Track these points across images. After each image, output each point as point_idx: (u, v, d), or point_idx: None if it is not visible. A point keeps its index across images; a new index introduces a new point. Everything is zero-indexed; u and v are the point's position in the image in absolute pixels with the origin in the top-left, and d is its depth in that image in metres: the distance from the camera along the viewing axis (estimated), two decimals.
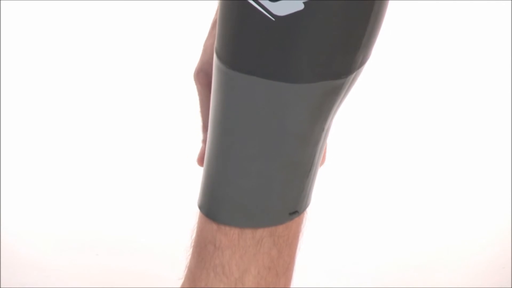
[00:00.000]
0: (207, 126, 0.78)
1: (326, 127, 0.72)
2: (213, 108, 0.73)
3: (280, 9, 0.65)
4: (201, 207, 0.76)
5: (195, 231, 0.79)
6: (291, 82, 0.68)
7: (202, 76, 0.79)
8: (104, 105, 1.86)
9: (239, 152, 0.72)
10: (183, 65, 1.81)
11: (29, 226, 1.54)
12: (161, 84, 1.91)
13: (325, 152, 0.81)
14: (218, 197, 0.74)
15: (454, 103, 1.86)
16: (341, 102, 0.72)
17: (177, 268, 0.85)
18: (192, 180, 1.03)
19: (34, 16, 1.99)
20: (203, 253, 0.76)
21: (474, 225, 1.56)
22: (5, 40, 1.93)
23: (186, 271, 0.79)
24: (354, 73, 0.70)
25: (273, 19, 0.65)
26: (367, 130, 1.81)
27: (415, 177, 1.67)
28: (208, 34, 0.79)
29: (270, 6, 0.65)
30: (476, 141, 1.77)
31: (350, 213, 1.59)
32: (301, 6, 0.64)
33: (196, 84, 0.80)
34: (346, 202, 1.61)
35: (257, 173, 0.72)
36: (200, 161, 0.80)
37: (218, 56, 0.70)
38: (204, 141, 0.81)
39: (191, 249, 0.79)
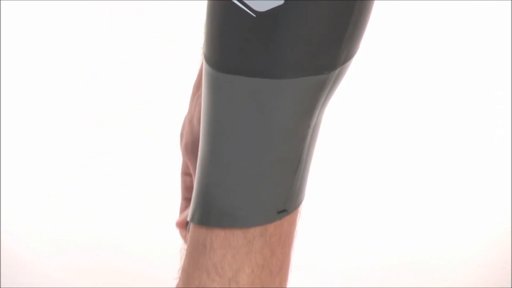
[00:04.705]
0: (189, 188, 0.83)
1: (312, 123, 0.72)
2: (203, 112, 0.73)
3: (261, 5, 0.66)
4: (192, 218, 0.76)
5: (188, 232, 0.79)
6: (274, 78, 0.68)
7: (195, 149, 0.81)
8: (104, 109, 1.86)
9: (228, 152, 0.72)
10: (182, 65, 1.81)
11: (29, 226, 1.54)
12: (160, 86, 1.91)
13: None
14: (207, 201, 0.74)
15: (454, 102, 1.86)
16: (327, 98, 0.72)
17: (176, 268, 0.85)
18: None
19: (34, 16, 2.00)
20: (195, 254, 0.76)
21: (474, 226, 1.56)
22: (5, 40, 1.94)
23: (180, 272, 0.80)
24: (338, 69, 0.70)
25: (254, 15, 0.66)
26: (368, 130, 1.81)
27: (415, 178, 1.67)
28: (189, 107, 0.82)
29: (251, 3, 0.66)
30: (476, 141, 1.77)
31: (349, 214, 1.59)
32: (281, 1, 0.65)
33: (190, 156, 0.83)
34: (345, 202, 1.62)
35: (245, 171, 0.73)
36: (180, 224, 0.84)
37: (206, 60, 0.71)
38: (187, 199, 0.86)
39: (185, 250, 0.79)
